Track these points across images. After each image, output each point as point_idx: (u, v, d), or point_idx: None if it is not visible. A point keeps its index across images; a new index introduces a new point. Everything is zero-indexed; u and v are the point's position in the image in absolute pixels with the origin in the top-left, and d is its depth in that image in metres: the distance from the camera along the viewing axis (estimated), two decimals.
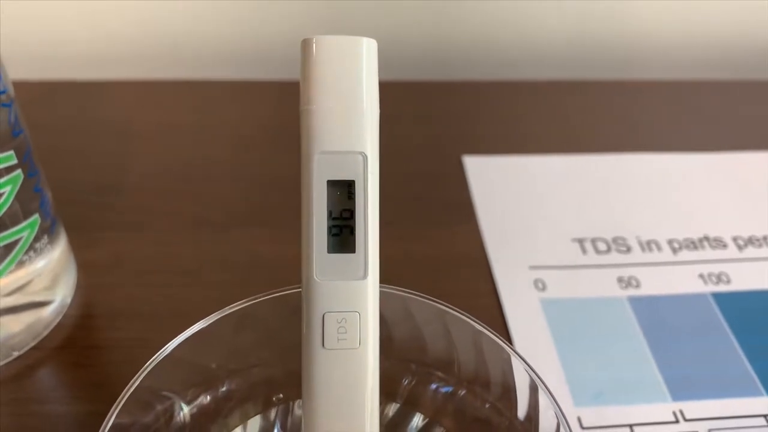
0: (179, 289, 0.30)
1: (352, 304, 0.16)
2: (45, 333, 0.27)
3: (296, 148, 0.17)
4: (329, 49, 0.16)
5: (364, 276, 0.16)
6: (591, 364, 0.27)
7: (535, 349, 0.27)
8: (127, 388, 0.17)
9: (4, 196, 0.23)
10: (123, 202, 0.34)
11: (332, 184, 0.16)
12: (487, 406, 0.19)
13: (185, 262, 0.31)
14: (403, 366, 0.20)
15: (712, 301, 0.30)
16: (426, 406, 0.19)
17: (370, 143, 0.16)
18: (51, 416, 0.25)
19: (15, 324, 0.26)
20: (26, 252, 0.25)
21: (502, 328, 0.28)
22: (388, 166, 0.36)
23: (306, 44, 0.16)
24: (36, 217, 0.25)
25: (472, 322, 0.19)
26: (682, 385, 0.26)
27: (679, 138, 0.38)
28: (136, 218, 0.33)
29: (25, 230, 0.25)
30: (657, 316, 0.29)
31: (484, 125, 0.39)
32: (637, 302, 0.29)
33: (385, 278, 0.30)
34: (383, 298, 0.17)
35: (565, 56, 0.44)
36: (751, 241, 0.32)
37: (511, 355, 0.18)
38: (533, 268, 0.30)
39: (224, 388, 0.19)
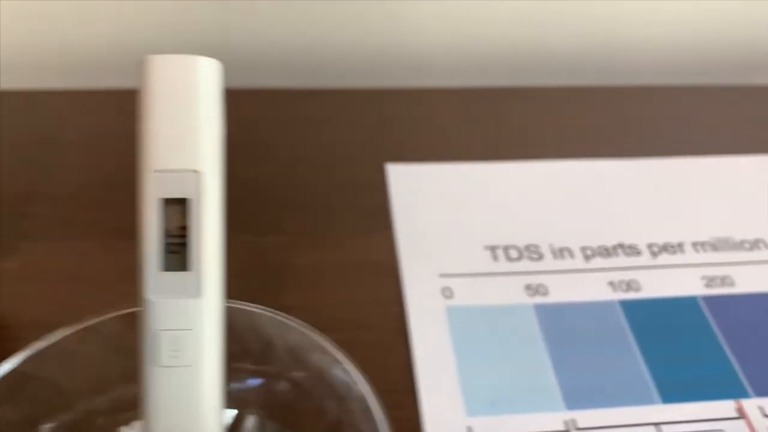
0: (91, 299, 0.30)
1: (185, 322, 0.16)
2: None
3: None
4: (164, 69, 0.16)
5: (198, 294, 0.16)
6: (488, 373, 0.27)
7: (433, 357, 0.27)
8: None
9: None
10: (42, 212, 0.34)
11: (167, 203, 0.16)
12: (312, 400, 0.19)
13: (100, 273, 0.31)
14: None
15: (619, 308, 0.30)
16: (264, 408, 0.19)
17: (207, 161, 0.16)
18: None
19: None
20: None
21: (404, 336, 0.28)
22: (309, 175, 0.36)
23: (143, 63, 0.17)
24: None
25: (310, 333, 0.19)
26: (578, 394, 0.26)
27: (600, 145, 0.38)
28: (54, 228, 0.33)
29: None
30: (561, 323, 0.29)
31: (411, 133, 0.39)
32: (542, 310, 0.29)
33: (297, 287, 0.30)
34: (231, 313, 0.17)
35: (488, 63, 0.44)
36: (665, 248, 0.32)
37: (343, 363, 0.18)
38: (443, 276, 0.30)
39: (83, 406, 0.19)
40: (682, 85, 0.44)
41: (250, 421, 0.19)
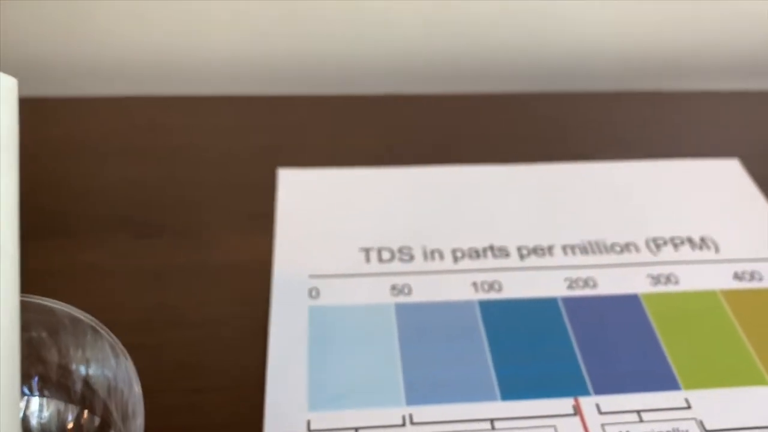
0: None
1: None
2: None
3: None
4: None
5: None
6: (338, 370, 0.28)
7: (286, 354, 0.28)
8: None
9: None
10: None
11: None
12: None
13: None
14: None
15: (477, 308, 0.31)
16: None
17: None
18: None
19: None
20: None
21: (263, 335, 0.29)
22: (200, 178, 0.37)
23: None
24: None
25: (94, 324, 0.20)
26: (421, 390, 0.27)
27: (484, 151, 0.39)
28: None
29: None
30: (419, 322, 0.30)
31: (309, 139, 0.40)
32: (403, 309, 0.30)
33: (168, 286, 0.31)
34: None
35: (381, 70, 0.45)
36: (534, 250, 0.33)
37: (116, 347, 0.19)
38: (313, 276, 0.32)
39: None
40: (558, 92, 0.45)
41: (49, 406, 0.20)
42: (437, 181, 0.37)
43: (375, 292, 0.31)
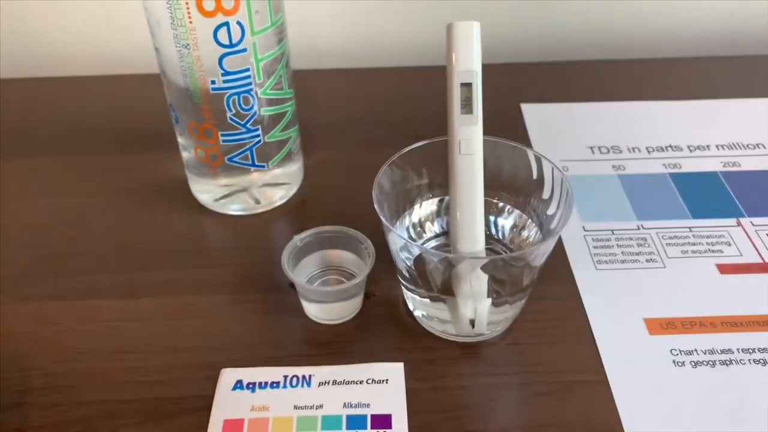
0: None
1: (470, 135, 0.38)
2: (285, 199, 0.50)
3: None
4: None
5: (476, 123, 0.38)
6: (592, 207, 0.48)
7: None
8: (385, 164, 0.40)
9: (289, 112, 0.47)
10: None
11: (462, 85, 0.38)
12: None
13: None
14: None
15: (669, 178, 0.50)
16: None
17: (478, 65, 0.38)
18: None
19: (272, 193, 0.49)
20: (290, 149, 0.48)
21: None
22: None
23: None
24: (297, 126, 0.48)
25: (523, 148, 0.41)
26: (644, 215, 0.47)
27: (674, 88, 0.59)
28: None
29: (292, 133, 0.48)
30: (634, 185, 0.50)
31: (542, 83, 0.60)
32: (622, 178, 0.50)
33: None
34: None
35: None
36: (699, 147, 0.53)
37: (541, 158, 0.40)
38: (563, 161, 0.52)
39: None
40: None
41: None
42: (625, 114, 0.57)
43: (602, 169, 0.51)
